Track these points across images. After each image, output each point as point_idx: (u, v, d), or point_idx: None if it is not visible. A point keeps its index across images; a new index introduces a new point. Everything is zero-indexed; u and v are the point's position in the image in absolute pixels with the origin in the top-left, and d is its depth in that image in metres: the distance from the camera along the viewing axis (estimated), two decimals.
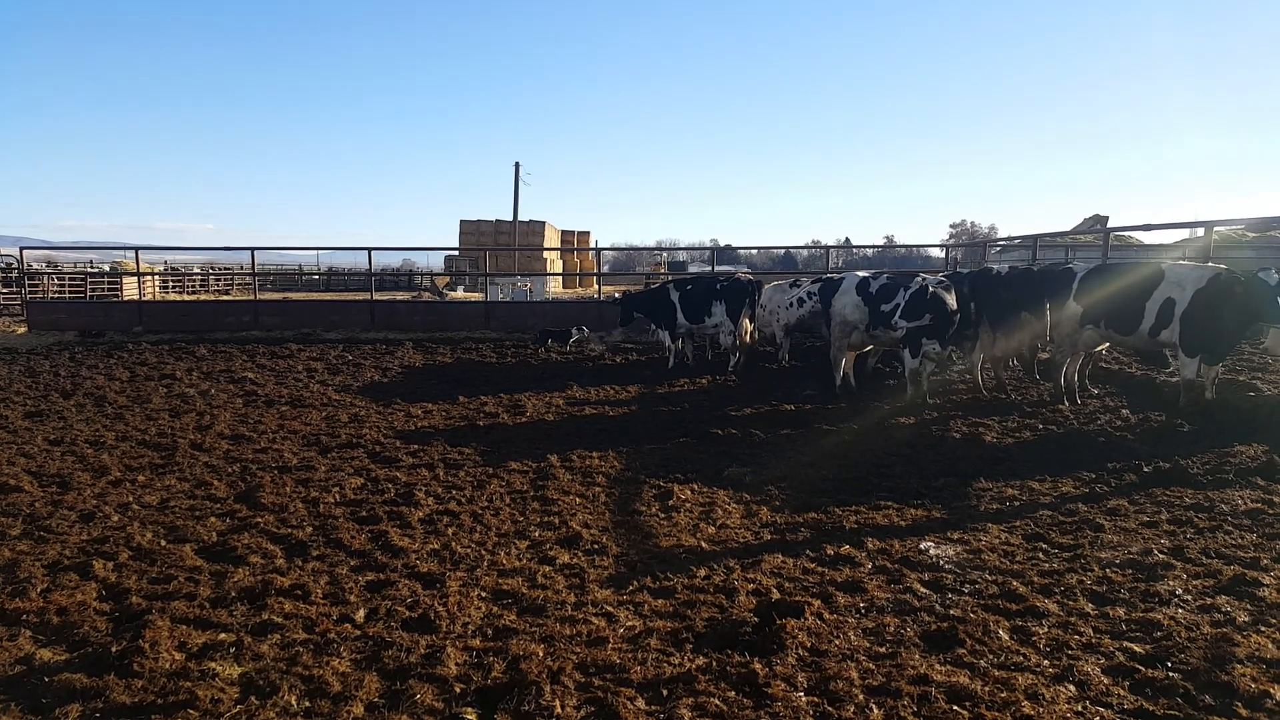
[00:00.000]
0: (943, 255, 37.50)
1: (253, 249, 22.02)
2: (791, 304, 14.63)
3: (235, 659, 4.00)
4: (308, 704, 3.62)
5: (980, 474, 7.41)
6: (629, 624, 4.35)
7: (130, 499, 6.75)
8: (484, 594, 4.77)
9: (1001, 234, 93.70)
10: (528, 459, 8.06)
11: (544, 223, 52.62)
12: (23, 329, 20.11)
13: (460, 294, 37.78)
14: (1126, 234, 27.91)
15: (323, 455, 8.31)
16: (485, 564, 5.26)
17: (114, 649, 4.00)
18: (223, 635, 4.21)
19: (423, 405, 10.94)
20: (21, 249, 22.59)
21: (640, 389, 12.45)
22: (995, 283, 11.50)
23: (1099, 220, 37.50)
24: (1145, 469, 7.34)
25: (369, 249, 20.91)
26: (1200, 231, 14.00)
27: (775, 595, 4.65)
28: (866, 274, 11.56)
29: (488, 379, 13.32)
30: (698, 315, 14.14)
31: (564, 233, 56.40)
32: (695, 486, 7.12)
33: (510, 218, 51.87)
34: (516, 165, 52.71)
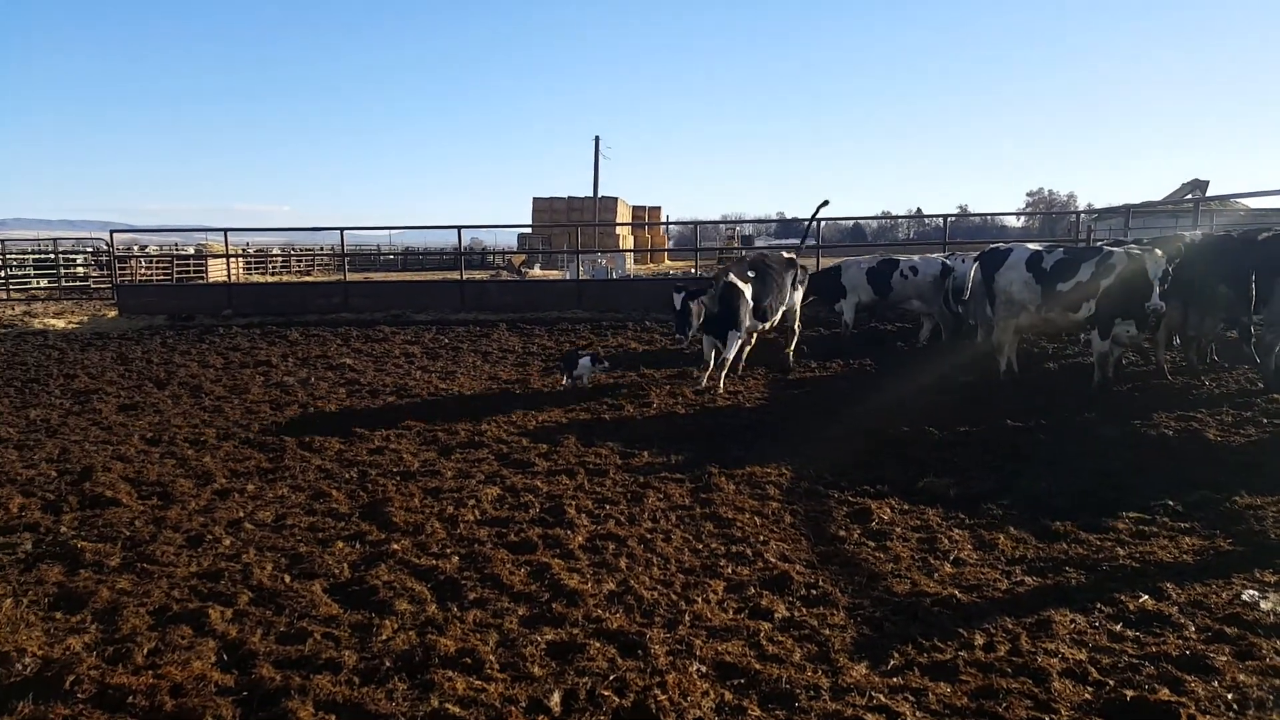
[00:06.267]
0: (1019, 224, 35.20)
1: (342, 229, 21.25)
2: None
3: None
4: None
5: (1236, 485, 6.03)
6: None
7: (241, 515, 5.86)
8: (703, 668, 3.66)
9: (1081, 202, 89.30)
10: (677, 463, 6.98)
11: (616, 198, 51.57)
12: (113, 313, 19.82)
13: (538, 272, 36.93)
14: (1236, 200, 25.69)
15: (444, 457, 7.36)
16: (686, 618, 4.16)
17: None
18: None
19: (535, 394, 9.95)
20: (111, 232, 22.28)
21: (766, 374, 11.29)
22: (1188, 253, 9.94)
23: (1199, 185, 34.62)
24: None
25: (458, 227, 19.90)
26: None
27: (1109, 683, 3.44)
28: (1038, 246, 10.15)
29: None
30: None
31: (635, 208, 55.29)
32: (893, 503, 5.94)
33: (582, 194, 50.97)
34: (596, 140, 51.54)
